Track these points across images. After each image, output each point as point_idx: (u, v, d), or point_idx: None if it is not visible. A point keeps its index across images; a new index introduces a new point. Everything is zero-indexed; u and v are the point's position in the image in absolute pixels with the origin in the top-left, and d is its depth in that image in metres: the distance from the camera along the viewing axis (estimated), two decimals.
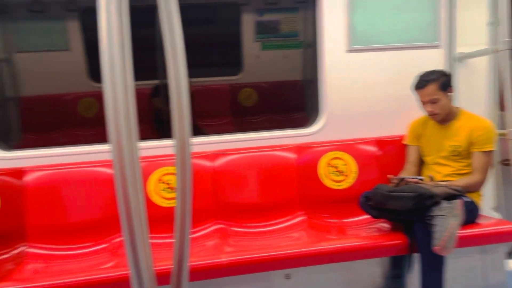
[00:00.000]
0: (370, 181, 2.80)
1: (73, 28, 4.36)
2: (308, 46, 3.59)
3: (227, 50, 4.86)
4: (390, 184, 2.50)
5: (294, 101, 4.56)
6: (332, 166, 2.92)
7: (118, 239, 2.56)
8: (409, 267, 2.56)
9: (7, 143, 2.98)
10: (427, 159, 2.82)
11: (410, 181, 2.47)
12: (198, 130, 3.42)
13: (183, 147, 1.31)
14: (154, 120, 4.08)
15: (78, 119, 4.58)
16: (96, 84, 4.57)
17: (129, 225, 1.27)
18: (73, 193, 2.63)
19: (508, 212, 3.11)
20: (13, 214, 2.56)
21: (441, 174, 2.69)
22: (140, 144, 1.30)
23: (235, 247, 2.50)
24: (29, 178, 2.62)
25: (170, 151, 2.79)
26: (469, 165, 2.66)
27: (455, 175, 2.66)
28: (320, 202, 2.89)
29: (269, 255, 2.31)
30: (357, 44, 2.98)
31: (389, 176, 2.54)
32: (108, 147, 2.96)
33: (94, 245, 2.57)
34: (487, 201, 2.96)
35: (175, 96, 1.28)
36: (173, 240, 2.43)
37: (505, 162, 3.05)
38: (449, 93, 2.66)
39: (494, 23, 2.96)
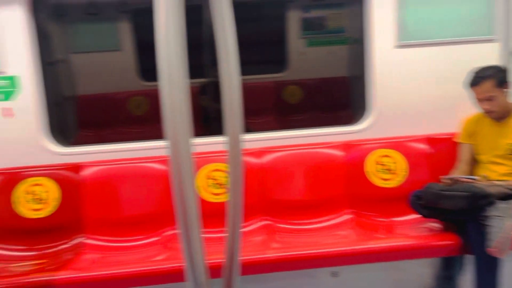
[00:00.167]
0: (420, 180, 2.73)
1: (124, 29, 4.54)
2: (355, 42, 3.54)
3: (272, 47, 4.88)
4: (441, 183, 2.43)
5: (340, 98, 4.51)
6: (380, 164, 2.87)
7: (169, 232, 2.65)
8: (461, 269, 2.48)
9: (65, 139, 3.15)
10: (481, 157, 2.71)
11: (463, 181, 2.39)
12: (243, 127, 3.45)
13: (235, 143, 1.34)
14: (201, 118, 4.18)
15: (129, 116, 4.76)
16: (146, 83, 4.73)
17: (184, 219, 1.31)
18: (127, 188, 2.74)
19: None
20: (71, 207, 2.71)
21: (496, 173, 2.59)
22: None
23: (281, 243, 2.52)
24: (86, 173, 2.76)
25: (218, 147, 2.86)
26: None
27: (511, 174, 2.55)
28: (367, 201, 2.85)
29: (316, 252, 2.32)
30: (407, 39, 2.91)
31: (441, 177, 2.47)
32: (159, 144, 3.08)
33: (147, 238, 2.67)
34: None
35: (228, 93, 1.31)
36: (222, 235, 2.48)
37: None
38: (505, 90, 2.55)
39: None
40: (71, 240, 2.65)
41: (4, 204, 2.66)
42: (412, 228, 2.66)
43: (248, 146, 2.89)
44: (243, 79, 1.30)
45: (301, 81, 4.91)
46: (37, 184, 2.71)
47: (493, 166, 2.62)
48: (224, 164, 2.83)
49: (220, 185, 2.80)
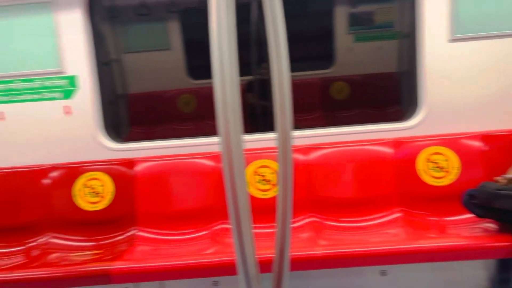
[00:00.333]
0: (473, 179, 2.63)
1: (174, 29, 4.66)
2: (405, 37, 3.44)
3: (319, 43, 4.85)
4: (497, 183, 2.33)
5: (389, 94, 4.41)
6: (432, 162, 2.79)
7: (217, 227, 2.72)
8: None
9: (119, 136, 3.29)
10: None
11: None
12: None
13: (285, 140, 1.35)
14: (247, 115, 4.22)
15: (177, 114, 4.89)
16: (194, 81, 4.85)
17: (236, 214, 1.35)
18: (178, 183, 2.83)
19: None
20: (125, 200, 2.83)
21: None
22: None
23: (329, 240, 2.51)
24: (139, 168, 2.87)
25: (264, 144, 2.89)
26: None
27: None
28: (418, 199, 2.78)
29: (364, 250, 2.29)
30: (461, 32, 2.80)
31: (496, 177, 2.36)
32: (208, 140, 3.14)
33: (196, 232, 2.74)
34: None
35: (278, 90, 1.32)
36: (269, 230, 2.50)
37: None
38: None
39: None
40: (126, 232, 2.78)
41: (66, 197, 2.83)
42: (465, 228, 2.57)
43: (295, 143, 2.90)
44: (291, 76, 1.31)
45: (348, 77, 4.85)
46: (94, 178, 2.86)
47: None
48: (270, 161, 2.85)
49: (267, 181, 2.83)
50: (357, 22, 4.68)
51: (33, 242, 2.78)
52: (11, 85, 2.92)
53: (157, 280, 2.35)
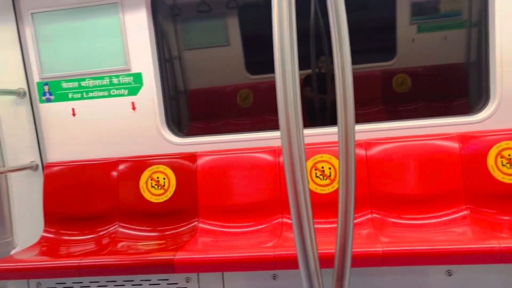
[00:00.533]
0: None
1: (233, 24, 4.72)
2: (474, 25, 3.26)
3: (380, 35, 4.70)
4: None
5: (454, 86, 4.20)
6: (504, 158, 2.63)
7: (276, 221, 2.74)
8: None
9: (180, 131, 3.40)
10: None
11: None
12: None
13: (347, 135, 1.33)
14: (304, 109, 4.19)
15: (236, 109, 4.96)
16: (252, 76, 4.88)
17: (297, 209, 1.35)
18: (238, 176, 2.89)
19: None
20: (187, 193, 2.93)
21: None
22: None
23: (391, 237, 2.45)
24: (200, 162, 2.96)
25: (322, 139, 2.86)
26: None
27: None
28: (487, 197, 2.63)
29: (429, 249, 2.21)
30: None
31: None
32: (267, 135, 3.16)
33: (255, 225, 2.78)
34: None
35: (340, 84, 1.30)
36: (328, 226, 2.49)
37: None
38: None
39: None
40: (188, 224, 2.87)
41: (132, 189, 2.98)
42: None
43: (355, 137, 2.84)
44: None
45: (411, 69, 4.66)
46: (158, 172, 2.98)
47: None
48: (329, 155, 2.82)
49: (326, 176, 2.81)
50: (420, 11, 4.48)
51: (103, 230, 2.96)
52: (82, 83, 3.11)
53: (218, 271, 2.41)
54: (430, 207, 2.66)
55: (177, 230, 2.86)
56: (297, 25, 1.31)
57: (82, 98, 3.12)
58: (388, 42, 4.66)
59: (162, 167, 2.98)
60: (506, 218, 2.56)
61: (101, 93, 3.10)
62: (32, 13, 3.02)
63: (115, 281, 2.51)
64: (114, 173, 3.03)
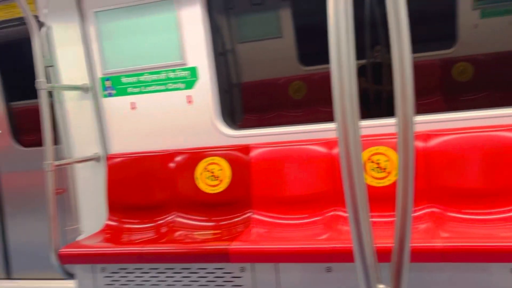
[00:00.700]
0: None
1: (285, 16, 4.70)
2: None
3: (440, 22, 4.49)
4: None
5: None
6: None
7: (330, 213, 2.72)
8: None
9: (234, 123, 3.45)
10: None
11: None
12: None
13: (406, 126, 1.30)
14: (359, 100, 4.10)
15: (289, 101, 4.96)
16: (305, 68, 4.85)
17: (353, 201, 1.34)
18: (292, 168, 2.89)
19: None
20: (241, 184, 2.97)
21: None
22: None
23: (451, 232, 2.36)
24: (254, 154, 2.99)
25: (377, 130, 2.80)
26: None
27: None
28: None
29: (493, 245, 2.11)
30: None
31: None
32: (320, 127, 3.13)
33: (309, 217, 2.78)
34: None
35: (399, 74, 1.27)
36: (384, 219, 2.43)
37: None
38: None
39: None
40: (242, 214, 2.92)
41: (188, 180, 3.07)
42: None
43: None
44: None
45: (473, 56, 4.43)
46: (213, 163, 3.05)
47: None
48: (385, 147, 2.76)
49: (382, 169, 2.74)
50: None
51: (161, 220, 3.08)
52: (141, 78, 3.23)
53: (272, 262, 2.44)
54: (493, 202, 2.53)
55: (232, 221, 2.92)
56: (354, 14, 1.29)
57: (140, 92, 3.24)
58: (448, 29, 4.45)
59: (217, 159, 3.05)
60: None
61: (158, 87, 3.21)
62: (95, 12, 3.18)
63: (173, 269, 2.61)
64: (171, 165, 3.14)
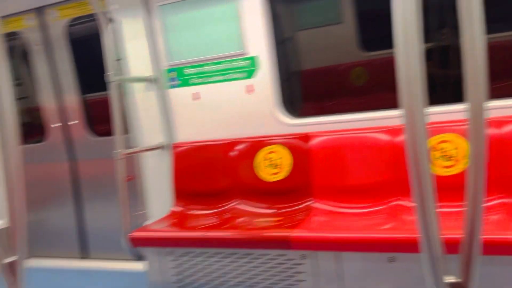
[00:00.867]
0: None
1: (346, 1, 4.58)
2: None
3: None
4: None
5: None
6: None
7: (394, 203, 2.65)
8: None
9: (294, 111, 3.45)
10: None
11: None
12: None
13: (477, 113, 1.24)
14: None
15: (348, 88, 4.85)
16: (366, 54, 4.71)
17: (419, 191, 1.30)
18: (354, 157, 2.85)
19: None
20: (302, 172, 2.98)
21: None
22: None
23: None
24: (314, 142, 2.98)
25: (443, 117, 2.68)
26: None
27: None
28: None
29: None
30: None
31: None
32: (382, 114, 3.05)
33: (372, 206, 2.73)
34: None
35: (470, 56, 1.20)
36: (451, 210, 2.34)
37: None
38: None
39: None
40: (303, 203, 2.93)
41: (249, 168, 3.12)
42: None
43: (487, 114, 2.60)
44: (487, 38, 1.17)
45: None
46: (273, 152, 3.08)
47: None
48: (453, 135, 2.63)
49: (449, 157, 2.63)
50: None
51: (224, 206, 3.16)
52: (203, 68, 3.31)
53: (333, 251, 2.43)
54: None
55: (292, 209, 2.94)
56: None
57: (203, 83, 3.33)
58: None
59: (277, 147, 3.07)
60: None
61: (219, 78, 3.27)
62: (160, 6, 3.30)
63: (236, 254, 2.68)
64: (233, 153, 3.20)
